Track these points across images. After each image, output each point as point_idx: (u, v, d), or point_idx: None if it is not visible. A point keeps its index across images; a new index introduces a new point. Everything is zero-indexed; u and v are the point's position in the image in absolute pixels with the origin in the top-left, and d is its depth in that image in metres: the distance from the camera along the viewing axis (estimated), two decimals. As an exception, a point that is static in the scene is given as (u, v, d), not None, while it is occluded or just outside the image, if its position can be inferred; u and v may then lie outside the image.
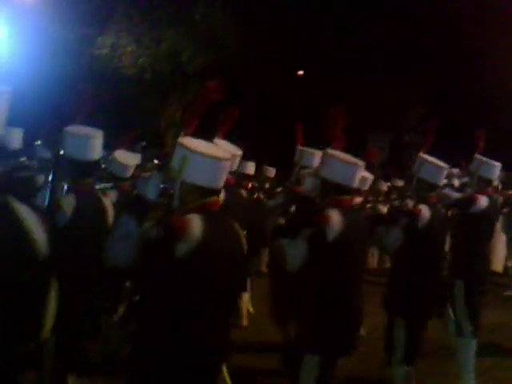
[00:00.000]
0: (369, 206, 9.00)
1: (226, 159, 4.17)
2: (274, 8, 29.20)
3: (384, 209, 10.23)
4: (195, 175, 4.04)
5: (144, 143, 13.32)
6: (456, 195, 7.75)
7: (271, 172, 13.06)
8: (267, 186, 12.70)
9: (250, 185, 10.49)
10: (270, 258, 8.46)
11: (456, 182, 11.35)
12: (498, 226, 13.26)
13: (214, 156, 4.09)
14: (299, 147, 7.93)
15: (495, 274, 13.28)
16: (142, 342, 4.01)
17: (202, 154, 4.05)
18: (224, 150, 4.52)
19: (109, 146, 7.57)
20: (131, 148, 9.43)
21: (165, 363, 3.89)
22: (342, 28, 32.52)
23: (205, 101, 4.33)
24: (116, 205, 7.06)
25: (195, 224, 3.91)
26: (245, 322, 9.97)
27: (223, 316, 4.18)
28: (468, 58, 36.02)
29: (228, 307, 4.26)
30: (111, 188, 7.79)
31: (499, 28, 36.47)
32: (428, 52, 33.59)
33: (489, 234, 8.04)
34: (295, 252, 4.91)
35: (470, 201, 7.27)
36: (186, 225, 3.89)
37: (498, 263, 13.24)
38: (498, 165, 7.50)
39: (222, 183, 4.20)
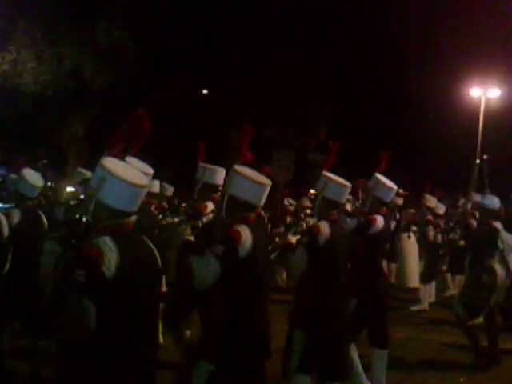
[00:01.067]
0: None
1: (143, 186, 4.18)
2: (180, 26, 29.26)
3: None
4: (110, 197, 4.04)
5: (45, 161, 13.04)
6: (349, 221, 7.87)
7: (169, 190, 12.92)
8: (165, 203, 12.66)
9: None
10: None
11: (348, 207, 11.55)
12: (415, 243, 13.56)
13: (132, 182, 4.09)
14: (201, 164, 7.92)
15: (410, 290, 13.61)
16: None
17: (119, 178, 4.04)
18: (137, 168, 4.47)
19: (6, 163, 7.44)
20: (33, 166, 9.20)
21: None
22: (251, 48, 32.87)
23: (135, 127, 4.44)
24: (19, 224, 6.96)
25: (109, 249, 3.89)
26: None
27: (150, 329, 4.21)
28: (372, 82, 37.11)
29: (152, 321, 4.29)
30: (13, 207, 7.58)
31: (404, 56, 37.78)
32: (332, 74, 34.26)
33: (383, 252, 8.29)
34: (204, 270, 4.87)
35: (369, 224, 7.39)
36: (99, 253, 3.85)
37: (414, 280, 13.48)
38: (393, 188, 7.57)
39: (137, 207, 4.18)
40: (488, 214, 9.02)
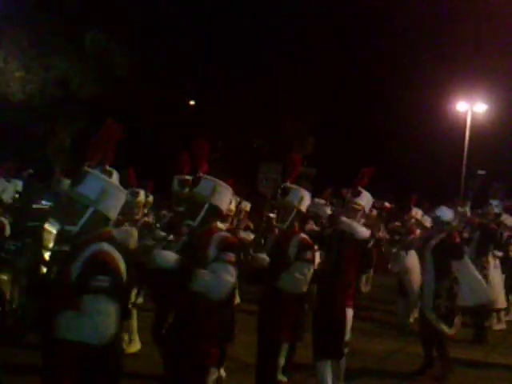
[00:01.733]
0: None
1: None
2: (167, 39, 29.32)
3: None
4: (112, 207, 4.24)
5: (31, 170, 13.00)
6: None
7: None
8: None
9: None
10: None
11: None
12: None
13: (125, 192, 4.39)
14: (175, 176, 7.95)
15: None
16: None
17: (119, 190, 4.31)
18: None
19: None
20: (19, 175, 9.20)
21: None
22: (238, 61, 32.94)
23: (110, 138, 4.59)
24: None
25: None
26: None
27: None
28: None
29: None
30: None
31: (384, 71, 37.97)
32: (319, 88, 34.38)
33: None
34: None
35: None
36: (114, 258, 4.06)
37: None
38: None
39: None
40: (440, 225, 9.06)
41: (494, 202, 12.35)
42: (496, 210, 12.99)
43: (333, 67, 34.24)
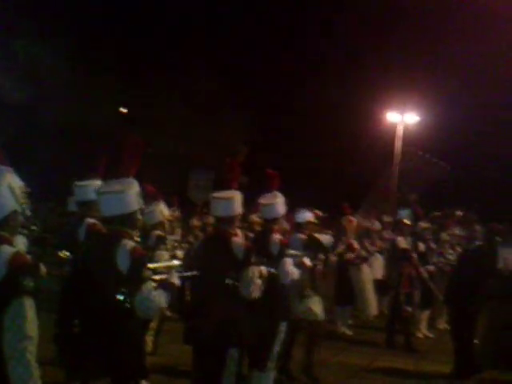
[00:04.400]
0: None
1: None
2: (98, 45, 29.04)
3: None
4: None
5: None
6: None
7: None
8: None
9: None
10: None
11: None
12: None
13: None
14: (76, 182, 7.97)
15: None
16: None
17: None
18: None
19: None
20: None
21: None
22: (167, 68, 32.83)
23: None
24: None
25: None
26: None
27: None
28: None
29: None
30: None
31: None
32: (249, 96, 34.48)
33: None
34: None
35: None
36: None
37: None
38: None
39: None
40: (296, 227, 9.12)
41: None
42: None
43: (258, 73, 34.45)
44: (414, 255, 11.88)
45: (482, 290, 9.64)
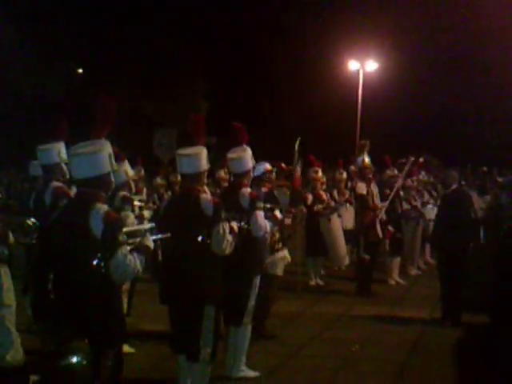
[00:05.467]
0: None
1: None
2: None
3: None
4: None
5: None
6: None
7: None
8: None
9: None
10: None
11: None
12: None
13: None
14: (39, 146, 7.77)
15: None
16: None
17: None
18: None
19: None
20: None
21: None
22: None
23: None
24: None
25: None
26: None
27: None
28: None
29: None
30: None
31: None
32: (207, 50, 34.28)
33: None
34: None
35: None
36: None
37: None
38: None
39: None
40: (255, 180, 8.31)
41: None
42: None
43: (221, 28, 34.26)
44: (378, 202, 11.81)
45: (467, 232, 9.75)
